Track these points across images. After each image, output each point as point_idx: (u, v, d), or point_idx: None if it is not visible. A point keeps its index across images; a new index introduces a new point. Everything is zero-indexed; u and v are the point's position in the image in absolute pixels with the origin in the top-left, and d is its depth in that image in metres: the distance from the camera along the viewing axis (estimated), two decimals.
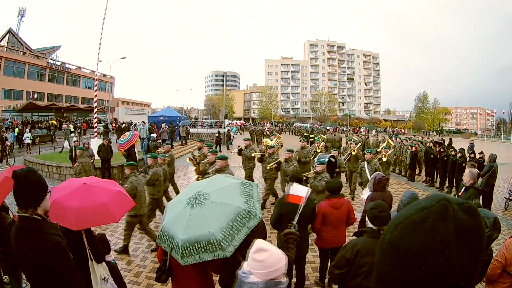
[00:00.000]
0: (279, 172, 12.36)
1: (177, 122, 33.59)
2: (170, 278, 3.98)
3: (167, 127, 28.48)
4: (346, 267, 3.94)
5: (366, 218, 4.17)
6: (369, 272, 3.82)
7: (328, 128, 66.08)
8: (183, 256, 3.23)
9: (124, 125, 41.04)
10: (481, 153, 16.94)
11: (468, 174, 7.09)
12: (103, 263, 4.50)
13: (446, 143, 23.79)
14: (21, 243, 3.01)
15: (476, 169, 11.04)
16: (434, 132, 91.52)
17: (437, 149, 17.46)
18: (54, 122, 45.04)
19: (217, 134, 33.12)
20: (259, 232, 3.56)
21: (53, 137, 32.53)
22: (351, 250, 3.92)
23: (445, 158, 16.18)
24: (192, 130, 39.96)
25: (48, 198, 3.21)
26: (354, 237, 4.39)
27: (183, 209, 3.56)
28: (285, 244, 4.12)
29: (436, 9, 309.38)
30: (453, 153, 16.10)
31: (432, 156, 17.31)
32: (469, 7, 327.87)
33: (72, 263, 3.19)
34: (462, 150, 16.38)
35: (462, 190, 7.43)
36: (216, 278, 4.05)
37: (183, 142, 32.70)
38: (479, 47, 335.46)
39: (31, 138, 27.29)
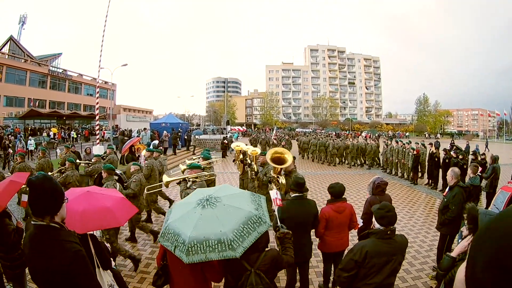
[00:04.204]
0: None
1: (179, 129, 33.55)
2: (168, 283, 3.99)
3: (168, 134, 28.54)
4: (354, 269, 3.94)
5: (373, 219, 4.17)
6: (377, 273, 3.87)
7: (330, 132, 65.30)
8: (188, 254, 3.20)
9: (125, 132, 41.03)
10: (483, 154, 16.91)
11: (451, 173, 7.11)
12: (108, 270, 4.48)
13: (448, 146, 23.89)
14: (38, 252, 2.93)
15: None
16: (438, 134, 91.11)
17: (436, 151, 17.51)
18: (55, 129, 45.10)
19: (225, 141, 33.35)
20: (263, 236, 3.54)
21: (56, 144, 32.67)
22: (360, 252, 3.91)
23: (447, 161, 16.14)
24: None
25: (65, 205, 3.19)
26: (357, 241, 4.39)
27: (193, 209, 3.58)
28: (282, 245, 4.14)
29: (437, 11, 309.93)
30: (454, 155, 16.05)
31: (436, 159, 17.25)
32: (470, 8, 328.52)
33: (91, 271, 3.16)
34: (463, 152, 16.37)
35: (447, 189, 7.34)
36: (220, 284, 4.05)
37: (194, 151, 33.00)
38: (481, 49, 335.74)
39: (35, 145, 27.36)
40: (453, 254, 3.98)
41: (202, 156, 10.74)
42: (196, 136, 39.20)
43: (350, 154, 26.18)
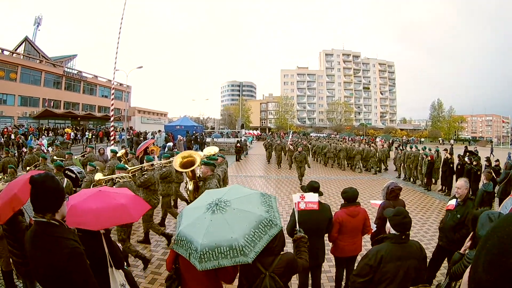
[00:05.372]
0: None
1: (194, 132, 33.59)
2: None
3: (183, 138, 28.59)
4: (370, 274, 3.89)
5: (388, 225, 4.16)
6: (393, 279, 3.82)
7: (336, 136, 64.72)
8: (201, 261, 3.19)
9: (140, 134, 41.44)
10: (497, 161, 16.79)
11: (465, 185, 6.49)
12: (120, 269, 4.49)
13: (462, 152, 23.73)
14: (37, 248, 3.00)
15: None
16: (452, 140, 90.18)
17: (451, 157, 17.41)
18: (69, 130, 45.43)
19: (238, 144, 33.22)
20: (278, 239, 3.55)
21: (70, 144, 32.90)
22: (375, 257, 3.88)
23: (459, 167, 16.04)
24: (208, 139, 40.13)
25: (66, 204, 3.25)
26: (370, 246, 4.36)
27: (203, 214, 3.56)
28: (297, 249, 4.10)
29: (452, 17, 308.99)
30: (468, 161, 15.92)
31: (450, 165, 17.12)
32: (485, 14, 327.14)
33: (88, 269, 3.19)
34: (477, 158, 16.21)
35: (454, 203, 6.63)
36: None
37: None
38: (495, 54, 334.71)
39: (47, 144, 27.55)
40: (461, 250, 4.27)
41: (146, 158, 10.70)
42: (215, 139, 39.43)
43: (355, 158, 26.58)
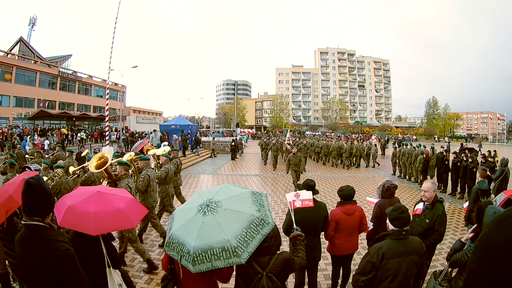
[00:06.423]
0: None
1: (188, 131, 33.58)
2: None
3: (178, 138, 28.54)
4: (372, 272, 3.91)
5: (387, 221, 4.17)
6: (395, 275, 3.85)
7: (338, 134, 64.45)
8: (195, 264, 3.18)
9: (137, 134, 41.45)
10: (493, 157, 16.79)
11: (432, 186, 5.91)
12: (117, 269, 4.48)
13: (457, 149, 23.67)
14: (28, 251, 3.01)
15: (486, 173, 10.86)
16: (446, 138, 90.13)
17: (446, 154, 17.45)
18: (65, 130, 45.30)
19: (232, 143, 33.52)
20: (274, 238, 3.57)
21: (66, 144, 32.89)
22: (377, 254, 3.89)
23: (458, 164, 16.03)
24: (204, 139, 40.56)
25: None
26: (366, 244, 4.36)
27: (194, 216, 3.53)
28: (293, 247, 4.10)
29: (451, 16, 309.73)
30: (464, 158, 15.92)
31: (446, 162, 17.15)
32: (482, 13, 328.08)
33: (80, 270, 3.20)
34: (473, 155, 16.21)
35: (421, 207, 6.12)
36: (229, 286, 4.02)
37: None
38: (491, 53, 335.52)
39: (48, 145, 27.61)
40: (463, 240, 4.33)
41: (140, 158, 10.79)
42: (215, 139, 39.68)
43: (331, 154, 27.80)
